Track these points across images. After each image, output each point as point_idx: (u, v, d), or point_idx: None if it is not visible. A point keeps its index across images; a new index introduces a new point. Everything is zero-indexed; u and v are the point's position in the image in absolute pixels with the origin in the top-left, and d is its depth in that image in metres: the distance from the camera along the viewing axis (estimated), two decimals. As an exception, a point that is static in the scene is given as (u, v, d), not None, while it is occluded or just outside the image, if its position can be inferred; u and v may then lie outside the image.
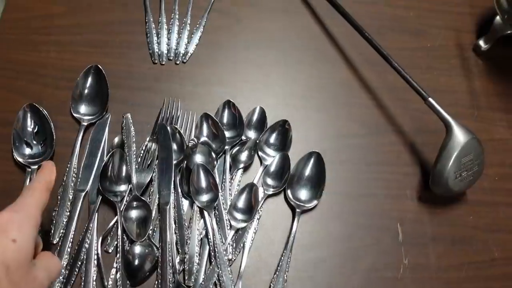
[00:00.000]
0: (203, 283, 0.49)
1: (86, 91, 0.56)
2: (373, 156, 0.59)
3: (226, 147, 0.55)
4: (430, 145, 0.59)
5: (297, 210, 0.53)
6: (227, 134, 0.56)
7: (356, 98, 0.62)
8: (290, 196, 0.54)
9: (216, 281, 0.49)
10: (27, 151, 0.53)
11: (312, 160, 0.55)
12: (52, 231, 0.50)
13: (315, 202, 0.54)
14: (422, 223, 0.55)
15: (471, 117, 0.63)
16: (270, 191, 0.54)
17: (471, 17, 0.70)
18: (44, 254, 0.39)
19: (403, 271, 0.52)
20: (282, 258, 0.51)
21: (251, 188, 0.52)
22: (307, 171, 0.55)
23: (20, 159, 0.52)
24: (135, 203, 0.50)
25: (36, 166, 0.52)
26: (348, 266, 0.52)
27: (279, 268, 0.50)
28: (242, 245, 0.51)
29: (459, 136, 0.53)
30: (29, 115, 0.53)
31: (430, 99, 0.55)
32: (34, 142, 0.53)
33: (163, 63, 0.61)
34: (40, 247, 0.40)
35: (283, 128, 0.56)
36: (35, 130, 0.53)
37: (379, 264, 0.53)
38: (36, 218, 0.38)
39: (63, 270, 0.48)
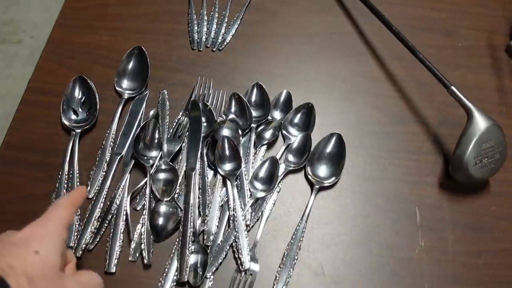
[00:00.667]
0: (220, 243, 0.51)
1: (129, 68, 0.62)
2: (395, 143, 0.60)
3: (252, 125, 0.59)
4: (454, 137, 0.59)
5: (315, 186, 0.55)
6: (254, 113, 0.59)
7: (382, 90, 0.64)
8: (310, 172, 0.56)
9: (233, 243, 0.52)
10: (73, 116, 0.58)
11: (333, 140, 0.57)
12: (89, 188, 0.55)
13: (333, 179, 0.56)
14: (441, 209, 0.56)
15: (500, 113, 0.63)
16: (291, 167, 0.56)
17: (505, 20, 0.71)
18: (86, 272, 0.41)
19: (418, 252, 0.53)
20: (297, 228, 0.53)
21: (272, 161, 0.55)
22: (328, 149, 0.57)
23: (66, 123, 0.58)
24: (164, 166, 0.55)
25: (79, 130, 0.57)
26: (362, 242, 0.53)
27: (293, 237, 0.52)
28: (260, 214, 0.54)
29: (480, 122, 0.53)
30: (78, 85, 0.60)
31: (453, 87, 0.56)
32: (80, 109, 0.59)
33: (201, 49, 0.66)
34: (72, 261, 0.42)
35: (308, 110, 0.59)
36: (82, 100, 0.59)
37: (394, 244, 0.53)
38: (59, 232, 0.38)
39: (95, 222, 0.52)
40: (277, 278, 0.50)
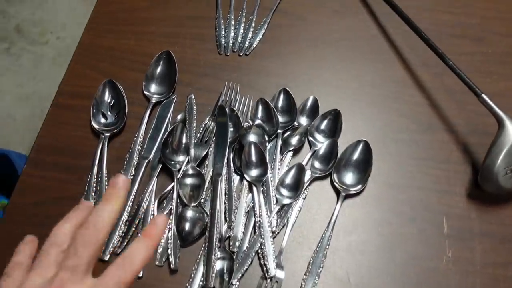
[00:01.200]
0: (246, 250, 0.52)
1: (157, 72, 0.63)
2: (423, 151, 0.59)
3: (279, 130, 0.59)
4: (484, 146, 0.58)
5: (342, 193, 0.55)
6: (281, 119, 0.59)
7: (409, 96, 0.63)
8: (336, 179, 0.56)
9: (259, 250, 0.52)
10: (103, 120, 0.59)
11: (360, 147, 0.57)
12: (117, 191, 0.55)
13: (359, 187, 0.55)
14: (469, 219, 0.55)
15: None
16: (317, 173, 0.56)
17: (538, 26, 0.69)
18: None
19: (445, 263, 0.52)
20: (323, 235, 0.53)
21: (298, 167, 0.55)
22: (354, 157, 0.56)
23: (96, 126, 0.59)
24: (191, 171, 0.55)
25: (108, 134, 0.58)
26: (388, 251, 0.53)
27: (319, 244, 0.52)
28: (286, 220, 0.54)
29: (511, 131, 0.52)
30: (107, 89, 0.61)
31: (484, 96, 0.55)
32: (109, 113, 0.60)
33: (228, 54, 0.66)
34: None
35: (334, 116, 0.59)
36: (111, 103, 0.60)
37: (421, 254, 0.53)
38: None
39: (122, 225, 0.53)
40: (303, 285, 0.50)
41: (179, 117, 0.60)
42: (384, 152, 0.59)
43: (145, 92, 0.62)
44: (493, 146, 0.53)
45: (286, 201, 0.54)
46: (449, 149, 0.59)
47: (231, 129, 0.59)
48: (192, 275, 0.50)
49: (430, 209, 0.55)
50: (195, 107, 0.61)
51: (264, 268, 0.51)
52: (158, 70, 0.63)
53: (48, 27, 1.70)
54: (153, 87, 0.62)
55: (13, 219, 0.55)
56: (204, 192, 0.55)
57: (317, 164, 0.57)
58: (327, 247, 0.52)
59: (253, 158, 0.55)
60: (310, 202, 0.56)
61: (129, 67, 0.65)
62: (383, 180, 0.57)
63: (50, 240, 0.36)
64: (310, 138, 0.59)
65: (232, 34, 0.68)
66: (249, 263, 0.51)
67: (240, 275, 0.51)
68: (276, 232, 0.53)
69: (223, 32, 0.68)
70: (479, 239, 0.53)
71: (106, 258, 0.51)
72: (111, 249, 0.52)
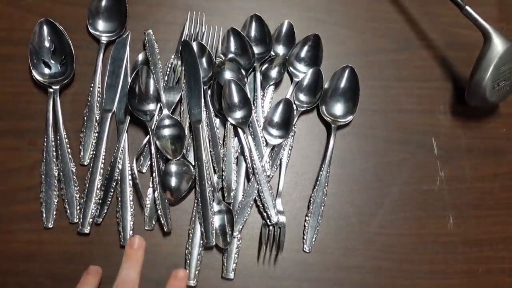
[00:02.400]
0: (243, 199, 0.48)
1: (103, 5, 0.52)
2: (404, 72, 0.57)
3: (255, 63, 0.53)
4: (463, 60, 0.57)
5: (333, 125, 0.52)
6: (256, 49, 0.53)
7: (383, 13, 0.59)
8: (325, 112, 0.52)
9: (256, 197, 0.48)
10: (46, 70, 0.49)
11: (346, 74, 0.53)
12: (82, 153, 0.48)
13: (350, 117, 0.52)
14: (456, 137, 0.54)
15: (501, 30, 0.60)
16: (304, 107, 0.52)
17: None
18: None
19: (439, 183, 0.52)
20: (321, 173, 0.50)
21: (286, 103, 0.50)
22: (342, 85, 0.53)
23: (40, 78, 0.49)
24: (167, 121, 0.48)
25: (57, 86, 0.49)
26: (385, 179, 0.52)
27: (318, 183, 0.49)
28: (278, 162, 0.50)
29: (498, 44, 0.51)
30: (44, 31, 0.50)
31: (467, 8, 0.52)
32: (52, 61, 0.50)
33: (182, -23, 0.57)
34: None
35: (315, 42, 0.54)
36: (52, 48, 0.50)
37: (416, 178, 0.52)
38: None
39: (98, 191, 0.46)
40: (306, 227, 0.48)
41: (139, 57, 0.52)
42: (365, 76, 0.55)
43: (91, 31, 0.52)
44: (481, 61, 0.51)
45: (277, 141, 0.50)
46: (429, 66, 0.57)
47: (204, 67, 0.51)
48: (190, 235, 0.46)
49: (418, 131, 0.54)
50: (156, 45, 0.52)
51: (265, 215, 0.47)
52: (104, 2, 0.52)
53: None
54: (101, 24, 0.52)
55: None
56: (185, 143, 0.48)
57: (302, 97, 0.52)
58: (326, 184, 0.49)
59: (235, 98, 0.50)
60: (300, 138, 0.52)
61: (64, 1, 0.53)
62: (369, 107, 0.54)
63: None
64: (290, 68, 0.54)
65: (181, -48, 0.58)
66: (248, 212, 0.47)
67: (240, 226, 0.47)
68: (271, 176, 0.49)
69: (171, -49, 0.57)
70: (467, 155, 0.54)
71: (87, 231, 0.45)
72: (90, 220, 0.45)
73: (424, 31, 0.59)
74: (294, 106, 0.52)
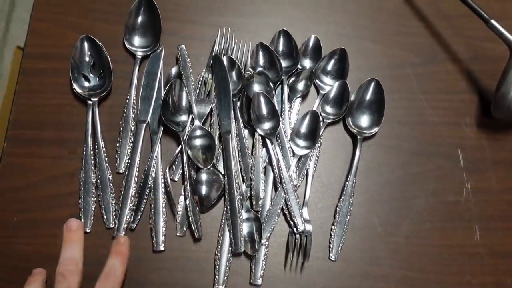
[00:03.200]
0: (271, 208, 0.49)
1: (139, 23, 0.55)
2: (429, 84, 0.58)
3: (283, 76, 0.54)
4: (488, 72, 0.58)
5: (359, 137, 0.53)
6: (283, 63, 0.55)
7: (408, 27, 0.60)
8: (351, 123, 0.53)
9: (283, 206, 0.49)
10: (86, 84, 0.52)
11: (372, 87, 0.54)
12: (118, 162, 0.50)
13: (376, 129, 0.53)
14: (482, 149, 0.55)
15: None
16: (330, 119, 0.53)
17: None
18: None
19: (465, 195, 0.52)
20: (347, 183, 0.51)
21: (313, 115, 0.52)
22: (367, 97, 0.54)
23: (80, 91, 0.52)
24: (198, 132, 0.50)
25: (96, 99, 0.52)
26: (411, 190, 0.52)
27: (344, 192, 0.51)
28: (305, 172, 0.51)
29: (524, 57, 0.51)
30: (86, 46, 0.53)
31: (493, 21, 0.53)
32: (92, 75, 0.53)
33: (213, -5, 0.59)
34: None
35: (341, 56, 0.55)
36: (91, 63, 0.53)
37: (442, 189, 0.53)
38: None
39: (132, 198, 0.48)
40: (333, 236, 0.49)
41: (172, 71, 0.54)
42: (392, 89, 0.56)
43: (128, 47, 0.55)
44: (506, 74, 0.52)
45: (303, 151, 0.51)
46: (453, 79, 0.58)
47: (234, 80, 0.54)
48: (220, 241, 0.47)
49: (444, 143, 0.55)
50: (188, 59, 0.55)
51: (292, 224, 0.49)
52: (139, 19, 0.55)
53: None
54: (137, 40, 0.55)
55: (4, 208, 0.48)
56: (215, 152, 0.50)
57: (328, 109, 0.54)
58: (352, 194, 0.50)
59: (263, 110, 0.51)
60: (326, 149, 0.53)
61: (103, 19, 0.57)
62: (395, 119, 0.55)
63: None
64: (317, 81, 0.55)
65: (213, -29, 0.60)
66: (276, 221, 0.49)
67: (268, 234, 0.48)
68: (298, 186, 0.51)
69: (203, -30, 0.60)
70: (493, 167, 0.54)
71: (123, 233, 0.47)
72: (125, 225, 0.48)
73: (449, 44, 0.60)
74: (321, 118, 0.53)
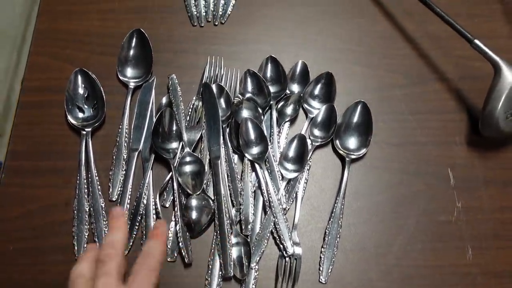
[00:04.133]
0: (260, 231, 0.50)
1: (131, 55, 0.57)
2: (418, 105, 0.58)
3: (271, 101, 0.56)
4: (476, 91, 0.58)
5: (347, 159, 0.53)
6: (272, 88, 0.56)
7: (396, 50, 0.61)
8: (339, 145, 0.54)
9: (273, 230, 0.50)
10: (80, 115, 0.54)
11: (358, 109, 0.55)
12: (110, 190, 0.51)
13: (364, 150, 0.54)
14: (473, 167, 0.55)
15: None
16: (318, 142, 0.54)
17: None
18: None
19: (457, 214, 0.52)
20: (336, 205, 0.51)
21: (300, 138, 0.53)
22: (355, 119, 0.55)
23: (74, 122, 0.53)
24: (188, 158, 0.52)
25: (90, 129, 0.53)
26: (401, 211, 0.52)
27: (333, 215, 0.51)
28: (294, 195, 0.52)
29: (508, 75, 0.52)
30: (79, 79, 0.55)
31: (476, 41, 0.54)
32: (86, 106, 0.55)
33: (202, 25, 0.61)
34: None
35: (328, 80, 0.56)
36: (85, 95, 0.55)
37: (433, 209, 0.53)
38: None
39: (124, 225, 0.49)
40: (322, 258, 0.49)
41: (163, 100, 0.56)
42: (380, 111, 0.57)
43: (121, 78, 0.57)
44: (492, 92, 0.52)
45: (292, 175, 0.52)
46: (442, 99, 0.59)
47: (222, 107, 0.55)
48: (210, 266, 0.48)
49: (434, 163, 0.55)
50: (178, 88, 0.56)
51: (281, 247, 0.49)
52: (131, 52, 0.57)
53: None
54: (129, 71, 0.57)
55: (1, 238, 0.50)
56: (205, 178, 0.51)
57: (316, 132, 0.55)
58: (341, 216, 0.51)
59: (252, 135, 0.53)
60: (315, 172, 0.54)
61: (97, 52, 0.59)
62: (384, 140, 0.56)
63: (74, 274, 0.38)
64: (305, 105, 0.56)
65: (203, 2, 0.62)
66: (265, 244, 0.49)
67: (258, 258, 0.49)
68: (287, 209, 0.51)
69: (193, 1, 0.62)
70: (484, 186, 0.54)
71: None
72: (117, 253, 0.48)
73: (437, 64, 0.60)
74: (309, 141, 0.54)
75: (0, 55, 1.48)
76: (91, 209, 0.50)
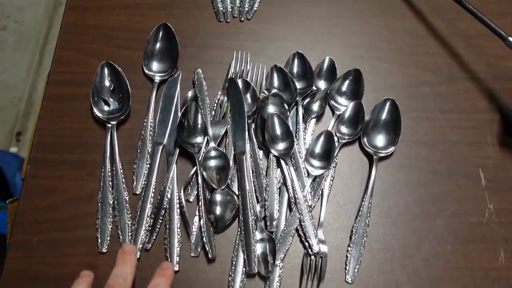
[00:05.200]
0: (285, 228, 0.49)
1: (157, 49, 0.57)
2: (448, 103, 0.57)
3: (298, 98, 0.55)
4: (509, 91, 0.57)
5: (374, 157, 0.52)
6: (298, 85, 0.55)
7: (425, 47, 0.60)
8: (366, 143, 0.53)
9: (298, 227, 0.49)
10: (105, 108, 0.54)
11: (387, 107, 0.54)
12: (134, 183, 0.51)
13: (392, 148, 0.53)
14: (505, 168, 0.53)
15: (550, 61, 0.59)
16: (345, 139, 0.53)
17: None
18: None
19: (488, 216, 0.51)
20: (363, 203, 0.50)
21: (327, 135, 0.52)
22: (383, 117, 0.53)
23: (99, 115, 0.53)
24: (213, 153, 0.51)
25: (115, 122, 0.53)
26: (430, 211, 0.51)
27: (360, 213, 0.50)
28: (320, 192, 0.51)
29: (545, 73, 0.50)
30: (106, 72, 0.55)
31: (510, 38, 0.52)
32: (111, 99, 0.54)
33: (228, 20, 0.61)
34: None
35: (355, 77, 0.55)
36: (111, 88, 0.55)
37: (463, 209, 0.51)
38: None
39: (148, 219, 0.49)
40: (349, 257, 0.48)
41: (189, 94, 0.56)
42: (409, 108, 0.56)
43: (146, 72, 0.57)
44: (527, 91, 0.50)
45: (318, 172, 0.51)
46: (473, 98, 0.57)
47: (248, 102, 0.54)
48: (234, 262, 0.47)
49: (464, 163, 0.53)
50: (204, 82, 0.56)
51: (307, 245, 0.48)
52: (158, 46, 0.57)
53: (3, 11, 1.57)
54: (155, 65, 0.57)
55: (26, 229, 0.50)
56: (230, 173, 0.51)
57: (343, 129, 0.54)
58: (368, 215, 0.50)
59: (278, 131, 0.52)
60: (342, 170, 0.53)
61: (124, 46, 0.59)
62: (412, 139, 0.55)
63: None
64: (332, 102, 0.55)
65: (229, -2, 0.62)
66: (290, 241, 0.48)
67: (282, 255, 0.48)
68: (313, 206, 0.50)
69: (219, -3, 0.62)
70: (517, 187, 0.52)
71: (137, 256, 0.48)
72: (140, 246, 0.48)
73: (468, 63, 0.59)
74: (336, 138, 0.53)
75: (24, 55, 1.50)
76: (115, 202, 0.50)
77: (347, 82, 0.56)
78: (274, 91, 0.55)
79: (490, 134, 0.55)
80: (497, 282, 0.48)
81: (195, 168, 0.51)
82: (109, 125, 0.53)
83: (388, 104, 0.54)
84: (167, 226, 0.49)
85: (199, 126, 0.52)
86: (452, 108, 0.56)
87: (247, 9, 0.62)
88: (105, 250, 0.49)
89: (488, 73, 0.58)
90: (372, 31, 0.61)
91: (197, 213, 0.49)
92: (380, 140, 0.53)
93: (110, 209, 0.50)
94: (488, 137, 0.55)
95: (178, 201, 0.50)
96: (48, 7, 1.60)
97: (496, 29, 0.53)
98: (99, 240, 0.49)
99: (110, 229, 0.49)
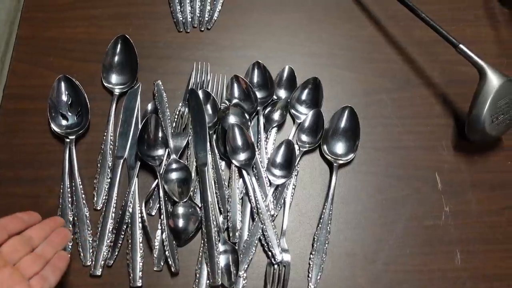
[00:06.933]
0: (248, 239, 0.49)
1: (116, 61, 0.57)
2: (405, 109, 0.58)
3: (259, 107, 0.55)
4: (463, 96, 0.58)
5: (334, 164, 0.53)
6: (258, 94, 0.56)
7: (383, 54, 0.62)
8: (327, 151, 0.54)
9: (261, 237, 0.49)
10: (63, 122, 0.53)
11: (346, 114, 0.55)
12: (95, 198, 0.50)
13: (351, 155, 0.54)
14: (460, 172, 0.55)
15: (501, 65, 0.62)
16: (306, 147, 0.54)
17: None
18: None
19: (444, 218, 0.52)
20: (324, 211, 0.51)
21: (288, 144, 0.52)
22: (342, 125, 0.54)
23: (57, 130, 0.52)
24: (174, 165, 0.51)
25: (73, 136, 0.52)
26: (389, 216, 0.52)
27: (321, 221, 0.50)
28: (282, 201, 0.51)
29: (493, 79, 0.52)
30: (63, 86, 0.54)
31: (461, 46, 0.54)
32: (69, 113, 0.54)
33: (188, 31, 0.61)
34: None
35: (314, 85, 0.56)
36: (69, 102, 0.54)
37: (420, 213, 0.52)
38: None
39: (109, 234, 0.49)
40: (311, 265, 0.49)
41: (149, 107, 0.55)
42: (367, 115, 0.57)
43: (105, 84, 0.56)
44: (478, 96, 0.52)
45: (280, 181, 0.52)
46: (429, 104, 0.59)
47: (209, 113, 0.54)
48: (197, 275, 0.47)
49: (421, 167, 0.55)
50: (164, 94, 0.56)
51: (270, 254, 0.49)
52: (116, 58, 0.57)
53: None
54: (114, 78, 0.56)
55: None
56: (192, 185, 0.51)
57: (304, 138, 0.54)
58: (329, 222, 0.50)
59: (238, 141, 0.52)
60: (303, 178, 0.53)
61: (81, 59, 0.58)
62: (371, 145, 0.56)
63: None
64: (292, 111, 0.56)
65: (189, 8, 0.62)
66: (253, 251, 0.49)
67: (246, 266, 0.48)
68: (275, 215, 0.51)
69: (179, 7, 0.62)
70: (472, 190, 0.54)
71: (98, 273, 0.47)
72: (102, 262, 0.48)
73: (423, 69, 0.61)
74: (297, 147, 0.54)
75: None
76: (75, 218, 0.49)
77: (306, 90, 0.56)
78: (234, 101, 0.55)
79: (445, 138, 0.57)
80: (454, 282, 0.49)
81: (156, 181, 0.51)
82: (68, 140, 0.52)
83: (346, 111, 0.55)
84: (129, 241, 0.49)
85: (160, 138, 0.52)
86: (408, 114, 0.58)
87: (207, 19, 0.62)
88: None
89: (442, 78, 0.60)
90: (331, 39, 0.62)
91: (159, 227, 0.49)
92: (339, 147, 0.54)
93: (70, 226, 0.49)
94: (443, 141, 0.57)
95: (140, 215, 0.49)
96: (9, 14, 1.56)
97: (447, 37, 0.55)
98: (59, 258, 0.48)
99: (70, 247, 0.48)
